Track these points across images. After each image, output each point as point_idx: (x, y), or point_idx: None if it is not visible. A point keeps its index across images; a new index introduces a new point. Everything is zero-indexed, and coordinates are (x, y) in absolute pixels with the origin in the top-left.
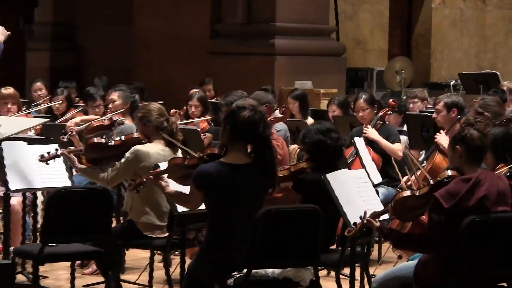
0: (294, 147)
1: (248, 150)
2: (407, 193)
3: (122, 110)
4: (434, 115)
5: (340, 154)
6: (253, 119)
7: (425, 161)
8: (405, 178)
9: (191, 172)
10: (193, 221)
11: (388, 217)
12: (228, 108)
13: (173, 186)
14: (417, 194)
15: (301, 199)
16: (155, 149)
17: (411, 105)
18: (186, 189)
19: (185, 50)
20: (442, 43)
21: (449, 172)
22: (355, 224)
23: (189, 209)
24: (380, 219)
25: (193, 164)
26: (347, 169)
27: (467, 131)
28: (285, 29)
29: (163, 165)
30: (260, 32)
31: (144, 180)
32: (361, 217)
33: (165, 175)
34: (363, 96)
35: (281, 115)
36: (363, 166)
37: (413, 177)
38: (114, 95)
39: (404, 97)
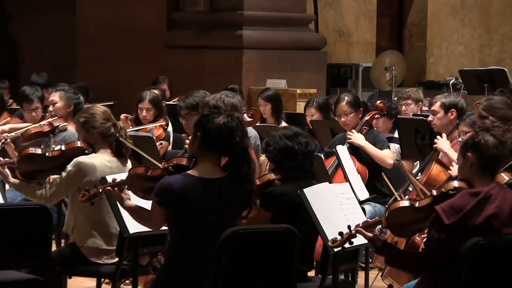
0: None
1: (222, 163)
2: (405, 203)
3: (64, 114)
4: (429, 118)
5: (310, 160)
6: (228, 126)
7: (419, 174)
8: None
9: (155, 185)
10: (147, 245)
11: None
12: (189, 112)
13: (133, 199)
14: (417, 205)
15: (272, 218)
16: (101, 160)
17: (403, 107)
18: (150, 204)
19: (136, 43)
20: (439, 35)
21: (456, 183)
22: (341, 234)
23: (149, 230)
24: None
25: (157, 175)
26: (327, 182)
27: (482, 137)
28: (255, 19)
29: (110, 179)
30: (225, 22)
31: (100, 190)
32: (349, 227)
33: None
34: (346, 98)
35: (250, 119)
36: (346, 179)
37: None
38: (55, 96)
39: (395, 98)
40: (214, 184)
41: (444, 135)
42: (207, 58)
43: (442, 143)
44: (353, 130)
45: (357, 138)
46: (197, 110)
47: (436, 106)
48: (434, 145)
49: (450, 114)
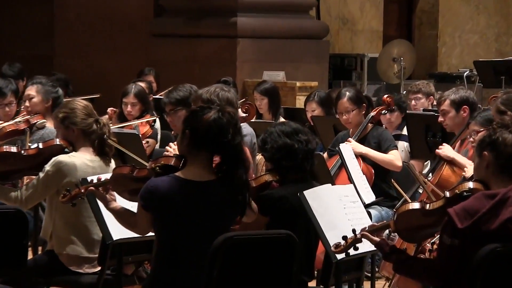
0: (263, 157)
1: (214, 163)
2: (415, 205)
3: (42, 109)
4: (440, 119)
5: (311, 160)
6: (219, 123)
7: (430, 174)
8: None
9: (142, 186)
10: (132, 252)
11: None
12: (173, 107)
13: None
14: (428, 208)
15: (268, 223)
16: (82, 159)
17: (412, 102)
18: (135, 206)
19: (120, 31)
20: (452, 23)
21: (471, 185)
22: (345, 238)
23: (134, 236)
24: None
25: (143, 176)
26: (330, 184)
27: (500, 134)
28: (250, 4)
29: (95, 179)
30: (218, 9)
31: (83, 191)
32: (353, 231)
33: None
34: (347, 93)
35: (245, 115)
36: (350, 180)
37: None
38: (32, 90)
39: (404, 92)
40: (204, 187)
41: (446, 144)
42: (198, 48)
43: (446, 150)
44: (349, 139)
45: (356, 146)
46: (183, 105)
47: (446, 105)
48: (437, 152)
49: (462, 112)
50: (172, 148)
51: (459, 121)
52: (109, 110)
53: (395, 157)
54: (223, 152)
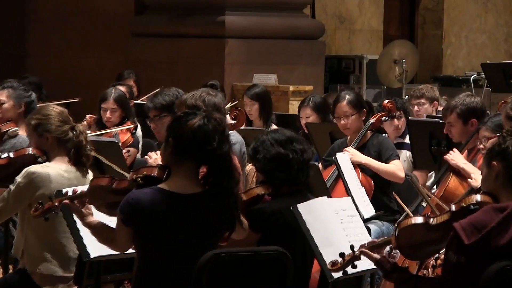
0: (253, 167)
1: (200, 174)
2: (419, 219)
3: (14, 116)
4: (445, 131)
5: (307, 171)
6: (204, 130)
7: (435, 186)
8: None
9: (121, 199)
10: (111, 271)
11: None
12: (158, 113)
13: (96, 215)
14: (432, 222)
15: (260, 240)
16: (56, 170)
17: (415, 107)
18: (114, 221)
19: (98, 30)
20: (458, 22)
21: (478, 197)
22: (342, 255)
23: (113, 253)
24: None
25: (123, 188)
26: (326, 197)
27: (510, 143)
28: (239, 2)
29: (70, 191)
30: (204, 6)
31: (57, 204)
32: (351, 247)
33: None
34: (346, 97)
35: (234, 122)
36: (348, 193)
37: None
38: (2, 95)
39: (406, 97)
40: (190, 200)
41: (456, 150)
42: (182, 49)
43: (456, 157)
44: (349, 148)
45: (355, 155)
46: (168, 111)
47: (452, 118)
48: (445, 158)
49: (470, 125)
50: (153, 158)
51: (467, 133)
52: (87, 117)
53: (397, 167)
54: (209, 161)
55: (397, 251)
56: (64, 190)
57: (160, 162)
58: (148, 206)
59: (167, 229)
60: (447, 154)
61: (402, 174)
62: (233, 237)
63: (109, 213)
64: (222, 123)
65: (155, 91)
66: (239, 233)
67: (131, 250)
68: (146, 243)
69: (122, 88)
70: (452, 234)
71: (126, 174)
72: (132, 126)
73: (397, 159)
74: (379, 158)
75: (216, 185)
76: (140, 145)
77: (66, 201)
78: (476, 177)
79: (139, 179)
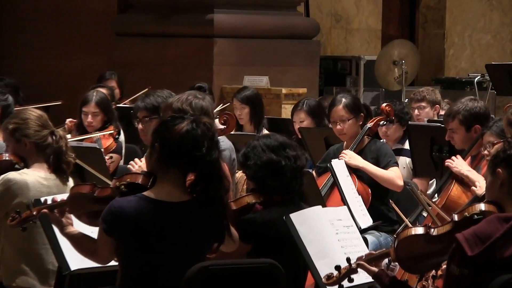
0: (243, 174)
1: (188, 182)
2: (419, 230)
3: None
4: (447, 138)
5: (300, 179)
6: (193, 135)
7: (436, 195)
8: None
9: (103, 208)
10: (92, 284)
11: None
12: (148, 115)
13: (76, 225)
14: (433, 233)
15: (250, 251)
16: (35, 177)
17: (415, 111)
18: (96, 231)
19: (79, 29)
20: (461, 21)
21: (482, 206)
22: (338, 268)
23: (95, 265)
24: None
25: (105, 196)
26: (320, 206)
27: None
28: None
29: (49, 200)
30: (192, 4)
31: (35, 213)
32: (348, 259)
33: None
34: (343, 100)
35: (223, 127)
36: (344, 202)
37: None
38: None
39: (406, 100)
40: (176, 208)
41: (459, 156)
42: (168, 49)
43: (459, 164)
44: (346, 151)
45: (353, 158)
46: (159, 113)
47: (455, 125)
48: (446, 164)
49: (473, 132)
50: (138, 165)
51: (470, 140)
52: (67, 121)
53: (396, 174)
54: (198, 168)
55: (396, 263)
56: (42, 199)
57: (145, 170)
58: (132, 214)
59: (152, 239)
60: (450, 160)
61: (401, 182)
62: (222, 249)
63: (91, 223)
64: (211, 127)
65: (142, 92)
66: (229, 244)
67: (113, 262)
68: (130, 254)
69: (103, 90)
70: (455, 246)
71: (108, 182)
72: (115, 131)
73: (396, 166)
74: (376, 165)
75: (204, 193)
76: (123, 151)
77: (45, 210)
78: (481, 185)
79: (123, 186)
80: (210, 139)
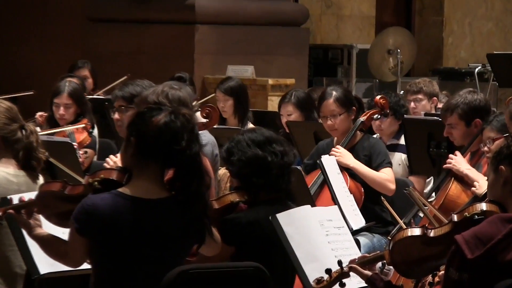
0: (226, 171)
1: (166, 177)
2: (416, 231)
3: None
4: (446, 133)
5: (288, 177)
6: (171, 128)
7: (433, 194)
8: None
9: (74, 208)
10: None
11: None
12: (126, 104)
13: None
14: (431, 235)
15: (234, 254)
16: (2, 174)
17: (412, 104)
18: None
19: (50, 16)
20: (461, 7)
21: (483, 206)
22: (328, 271)
23: (66, 269)
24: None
25: (77, 194)
26: (309, 205)
27: None
28: None
29: (16, 199)
30: None
31: (0, 214)
32: (339, 262)
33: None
34: (334, 93)
35: (205, 121)
36: (335, 201)
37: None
38: None
39: (402, 92)
40: (154, 206)
41: (458, 153)
42: (146, 37)
43: (458, 162)
44: (338, 146)
45: (344, 156)
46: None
47: (453, 120)
48: (446, 166)
49: (474, 127)
50: (113, 161)
51: (470, 136)
52: (38, 115)
53: (388, 177)
54: (177, 163)
55: (391, 267)
56: (9, 197)
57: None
58: (107, 212)
59: (128, 239)
60: (448, 158)
61: (393, 186)
62: (203, 252)
63: (61, 223)
64: (191, 119)
65: (119, 80)
66: (210, 246)
67: (86, 265)
68: (104, 255)
69: (75, 80)
70: (454, 248)
71: (81, 179)
72: (89, 124)
73: (389, 167)
74: (369, 163)
75: (184, 190)
76: (97, 146)
77: (11, 211)
78: (481, 184)
79: (96, 183)
80: (190, 132)
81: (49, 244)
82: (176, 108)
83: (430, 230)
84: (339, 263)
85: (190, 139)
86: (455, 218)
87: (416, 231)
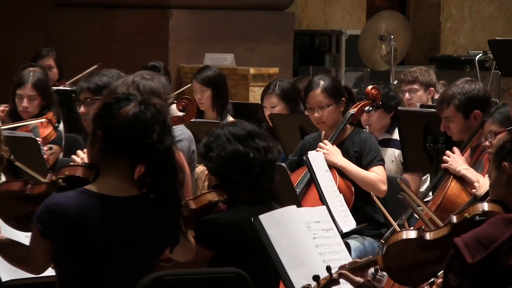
0: (204, 168)
1: (137, 174)
2: (411, 234)
3: None
4: (443, 128)
5: (271, 174)
6: (141, 119)
7: (430, 193)
8: None
9: (36, 209)
10: None
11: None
12: (91, 96)
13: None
14: (428, 238)
15: (212, 258)
16: None
17: (406, 95)
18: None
19: (11, 1)
20: None
21: (485, 206)
22: (316, 278)
23: (29, 275)
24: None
25: (39, 194)
26: (295, 206)
27: None
28: None
29: None
30: None
31: None
32: (328, 268)
33: None
34: (321, 82)
35: (182, 114)
36: (323, 201)
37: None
38: None
39: (395, 82)
40: (123, 204)
41: (457, 150)
42: (116, 22)
43: (456, 162)
44: (325, 141)
45: (331, 153)
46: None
47: (450, 112)
48: (444, 165)
49: (473, 119)
50: (81, 157)
51: (469, 129)
52: None
53: (380, 177)
54: (148, 158)
55: (384, 273)
56: None
57: None
58: (72, 211)
59: (96, 239)
60: (445, 156)
61: (384, 187)
62: (176, 257)
63: (22, 227)
64: (162, 110)
65: (89, 69)
66: (184, 249)
67: (50, 272)
68: (70, 259)
69: (39, 70)
70: (453, 252)
71: (42, 179)
72: (54, 118)
73: (381, 165)
74: (359, 160)
75: (156, 187)
76: (63, 142)
77: None
78: (481, 183)
79: (60, 180)
80: (161, 124)
81: (8, 250)
82: (146, 98)
83: (427, 233)
84: (328, 269)
85: (162, 132)
86: (454, 219)
87: (412, 234)
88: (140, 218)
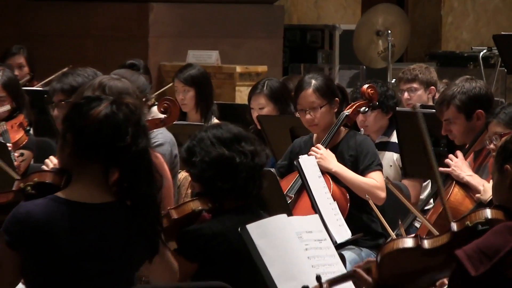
0: (187, 175)
1: (112, 179)
2: (408, 242)
3: None
4: (444, 131)
5: (259, 181)
6: (113, 121)
7: (432, 200)
8: None
9: (3, 220)
10: None
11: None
12: (65, 97)
13: None
14: (426, 246)
15: (197, 271)
16: None
17: (405, 94)
18: None
19: None
20: None
21: (488, 213)
22: None
23: None
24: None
25: (7, 203)
26: (285, 215)
27: None
28: None
29: None
30: None
31: None
32: (318, 278)
33: None
34: (313, 81)
35: (163, 116)
36: (315, 209)
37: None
38: None
39: (393, 81)
40: (96, 211)
41: (460, 154)
42: (92, 17)
43: (459, 166)
44: (318, 145)
45: (325, 158)
46: None
47: (451, 114)
48: (444, 170)
49: (476, 119)
50: (53, 163)
51: (472, 130)
52: None
53: (378, 184)
54: (121, 162)
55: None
56: None
57: None
58: (42, 220)
59: (67, 249)
60: (448, 160)
61: (383, 194)
62: (156, 275)
63: None
64: (136, 110)
65: (60, 71)
66: (165, 264)
67: (20, 286)
68: (40, 271)
69: (9, 70)
70: (455, 266)
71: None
72: (26, 120)
73: (379, 170)
74: (355, 165)
75: (131, 192)
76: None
77: None
78: (486, 187)
79: (29, 188)
80: (135, 124)
81: None
82: (118, 98)
83: (425, 241)
84: (318, 278)
85: (136, 133)
86: (455, 227)
87: (409, 242)
88: (115, 226)
